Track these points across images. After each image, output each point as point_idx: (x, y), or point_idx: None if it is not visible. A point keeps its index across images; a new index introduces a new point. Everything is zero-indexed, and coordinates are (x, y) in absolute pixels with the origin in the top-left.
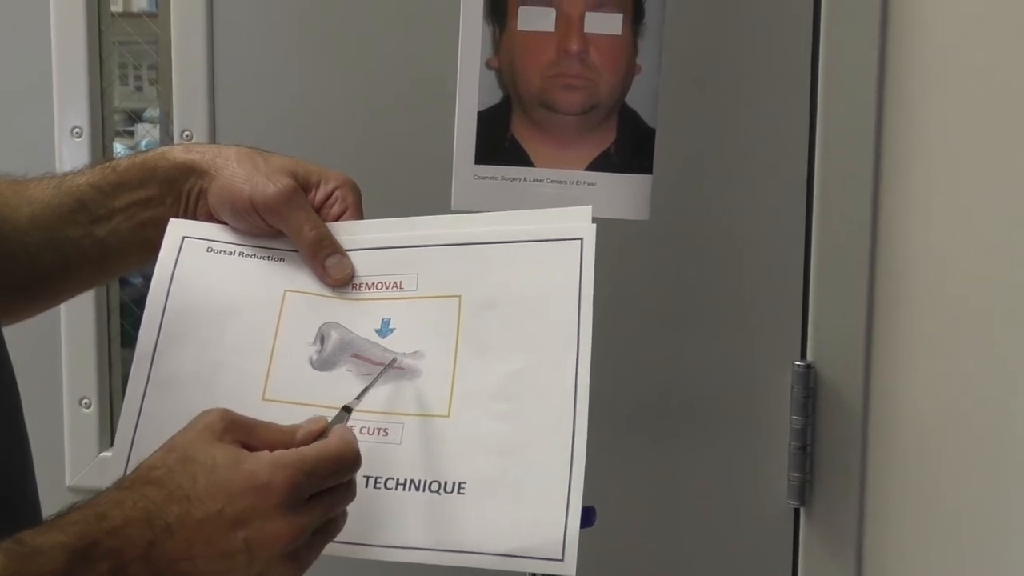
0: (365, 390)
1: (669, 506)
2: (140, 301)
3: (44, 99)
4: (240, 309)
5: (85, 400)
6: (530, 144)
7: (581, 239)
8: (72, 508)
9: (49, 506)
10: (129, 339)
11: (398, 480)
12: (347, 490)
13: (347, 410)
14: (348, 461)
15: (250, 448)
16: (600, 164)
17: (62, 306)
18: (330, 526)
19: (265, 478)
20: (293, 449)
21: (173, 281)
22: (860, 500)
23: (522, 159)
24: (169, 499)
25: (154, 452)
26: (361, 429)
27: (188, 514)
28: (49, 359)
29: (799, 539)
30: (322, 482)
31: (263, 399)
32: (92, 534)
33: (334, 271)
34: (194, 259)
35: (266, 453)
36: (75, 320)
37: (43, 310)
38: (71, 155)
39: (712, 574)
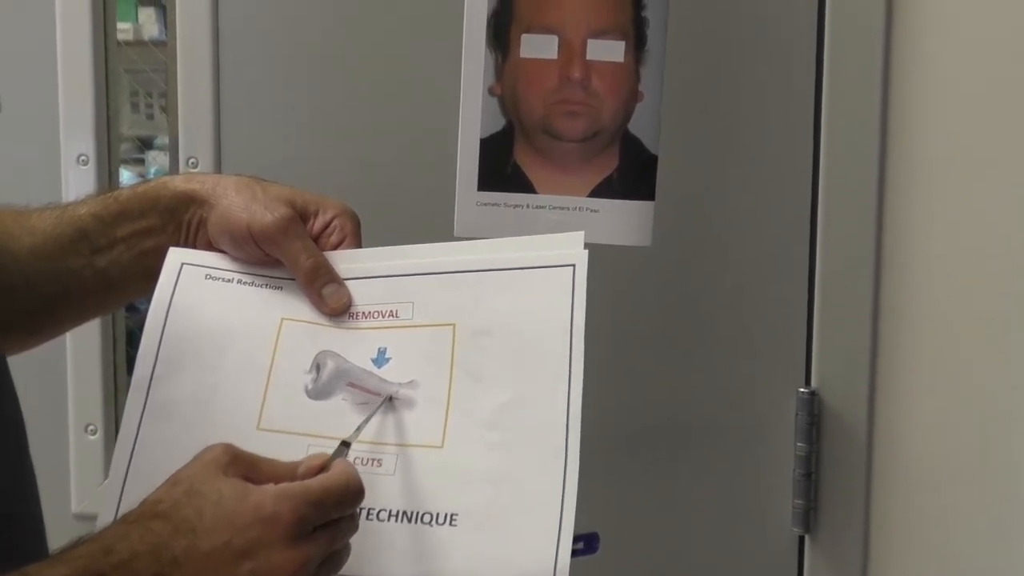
0: (362, 425)
1: (672, 532)
2: None
3: (50, 126)
4: (237, 336)
5: (91, 427)
6: (533, 170)
7: (573, 265)
8: (78, 542)
9: (55, 533)
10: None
11: (390, 511)
12: (351, 522)
13: (346, 445)
14: (352, 493)
15: (254, 482)
16: (603, 190)
17: (68, 333)
18: (334, 559)
19: (271, 509)
20: (298, 482)
21: (171, 307)
22: (865, 527)
23: (525, 186)
24: (175, 532)
25: (159, 487)
26: (355, 459)
27: (194, 547)
28: (55, 386)
29: (804, 566)
30: (327, 513)
31: (258, 428)
32: (98, 568)
33: (331, 300)
34: (192, 286)
35: (271, 486)
36: (81, 347)
37: (45, 340)
38: (77, 183)
39: None
